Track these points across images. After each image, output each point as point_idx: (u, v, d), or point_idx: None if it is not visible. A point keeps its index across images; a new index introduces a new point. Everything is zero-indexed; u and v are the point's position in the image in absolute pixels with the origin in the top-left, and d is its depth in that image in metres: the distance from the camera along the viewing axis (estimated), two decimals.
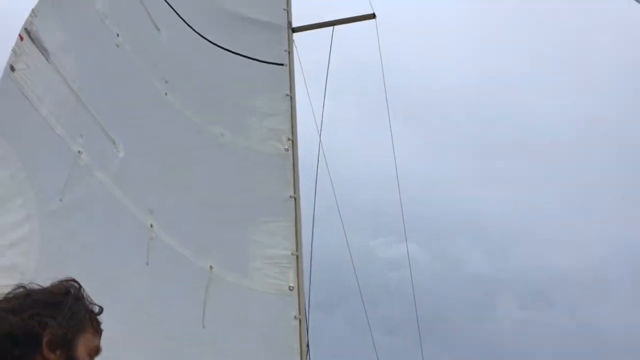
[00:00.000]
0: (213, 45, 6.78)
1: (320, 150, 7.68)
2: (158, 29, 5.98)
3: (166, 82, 5.84)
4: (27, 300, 1.75)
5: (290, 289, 5.75)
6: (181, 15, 6.39)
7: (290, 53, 7.53)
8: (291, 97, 7.18)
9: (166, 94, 5.79)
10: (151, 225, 4.93)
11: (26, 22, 4.07)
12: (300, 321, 5.67)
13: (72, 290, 1.83)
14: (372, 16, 7.93)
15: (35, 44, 4.08)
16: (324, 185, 8.04)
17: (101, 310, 1.89)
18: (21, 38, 4.00)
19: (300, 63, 7.76)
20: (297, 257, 6.00)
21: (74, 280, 1.87)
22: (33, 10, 4.14)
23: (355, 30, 8.30)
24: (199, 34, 6.60)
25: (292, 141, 6.80)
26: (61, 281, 1.87)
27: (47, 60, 4.17)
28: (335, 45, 8.02)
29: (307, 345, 5.78)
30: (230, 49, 6.97)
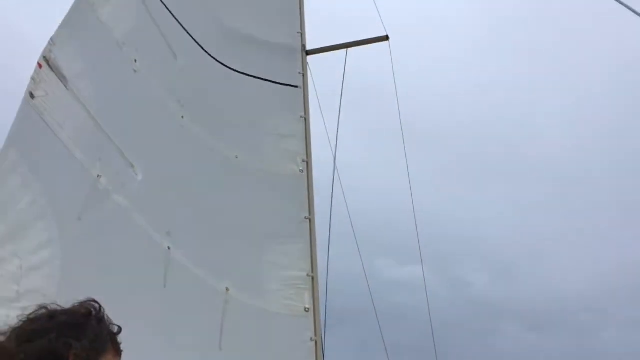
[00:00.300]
0: (228, 69, 6.86)
1: (335, 172, 7.73)
2: (174, 54, 6.07)
3: (182, 105, 5.92)
4: (51, 322, 1.80)
5: (306, 310, 5.78)
6: (197, 40, 6.49)
7: (304, 75, 7.61)
8: (305, 119, 7.24)
9: (182, 117, 5.88)
10: (168, 248, 5.00)
11: (45, 51, 4.17)
12: (316, 343, 5.69)
13: (93, 312, 1.88)
14: (386, 38, 7.99)
15: (53, 71, 4.18)
16: (336, 206, 8.09)
17: (120, 330, 1.94)
18: (40, 66, 4.10)
19: (315, 85, 7.84)
20: (313, 279, 6.03)
21: (94, 301, 1.92)
22: (52, 39, 4.24)
23: (369, 51, 8.37)
24: (214, 58, 6.69)
25: (307, 162, 6.85)
26: (82, 302, 1.92)
27: (66, 87, 4.27)
28: (349, 66, 8.09)
29: None
30: (245, 72, 7.05)
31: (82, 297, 1.95)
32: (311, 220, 6.44)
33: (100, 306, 1.91)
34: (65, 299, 1.96)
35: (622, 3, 4.74)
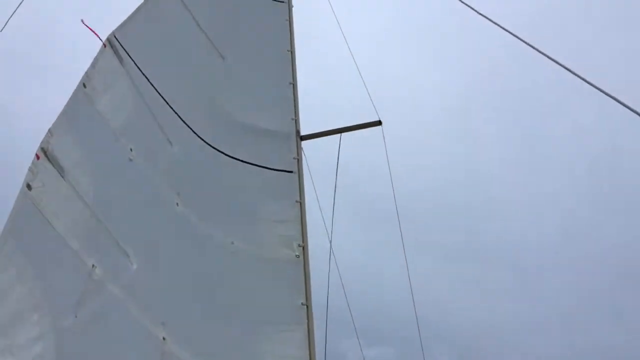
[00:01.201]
0: (223, 155, 6.92)
1: (332, 257, 7.68)
2: (170, 141, 6.13)
3: (177, 193, 5.93)
4: None
5: None
6: (192, 127, 6.57)
7: (299, 161, 7.66)
8: (301, 204, 7.24)
9: (177, 204, 5.88)
10: (164, 339, 4.89)
11: (43, 142, 4.21)
12: None
13: None
14: (378, 123, 8.10)
15: (51, 162, 4.20)
16: (333, 291, 8.02)
17: None
18: (37, 157, 4.13)
19: (309, 170, 7.89)
20: None
21: None
22: (50, 130, 4.29)
23: (363, 135, 8.45)
24: (210, 145, 6.76)
25: (303, 247, 6.80)
26: None
27: (63, 178, 4.28)
28: (343, 150, 8.16)
29: None
30: (240, 159, 7.11)
31: None
32: (308, 307, 6.33)
33: None
34: None
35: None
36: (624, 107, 4.38)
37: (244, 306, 5.99)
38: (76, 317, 4.04)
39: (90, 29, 5.18)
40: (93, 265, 4.39)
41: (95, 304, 4.34)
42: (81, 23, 5.29)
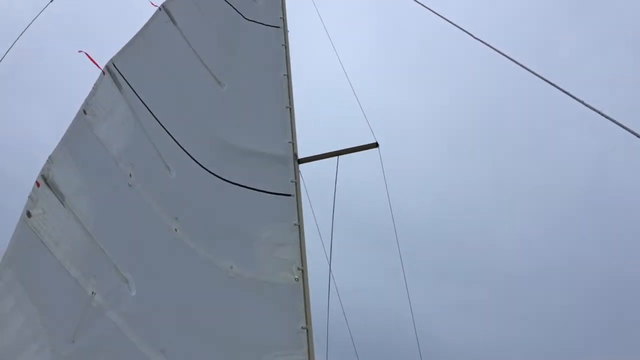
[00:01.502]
0: (222, 180, 6.93)
1: (331, 280, 7.67)
2: (168, 168, 6.15)
3: (176, 218, 5.93)
4: None
5: None
6: (190, 154, 6.59)
7: (296, 184, 7.67)
8: (299, 227, 7.23)
9: (176, 230, 5.87)
10: None
11: (43, 169, 4.22)
12: None
13: None
14: (375, 145, 8.13)
15: (51, 189, 4.21)
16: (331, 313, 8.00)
17: None
18: (37, 185, 4.14)
19: (307, 193, 7.90)
20: None
21: None
22: (50, 157, 4.30)
23: (360, 157, 8.47)
24: (207, 170, 6.78)
25: (302, 271, 6.78)
26: None
27: (63, 205, 4.28)
28: (341, 172, 8.17)
29: None
30: (238, 183, 7.12)
31: None
32: (308, 331, 6.30)
33: None
34: None
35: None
36: (617, 126, 4.41)
37: (243, 331, 5.96)
38: (75, 344, 4.02)
39: (91, 58, 5.23)
40: (92, 292, 4.38)
41: (94, 332, 4.32)
42: (79, 50, 5.34)
